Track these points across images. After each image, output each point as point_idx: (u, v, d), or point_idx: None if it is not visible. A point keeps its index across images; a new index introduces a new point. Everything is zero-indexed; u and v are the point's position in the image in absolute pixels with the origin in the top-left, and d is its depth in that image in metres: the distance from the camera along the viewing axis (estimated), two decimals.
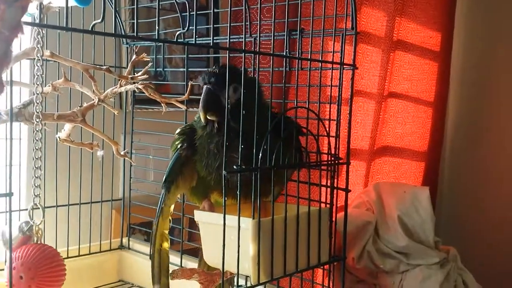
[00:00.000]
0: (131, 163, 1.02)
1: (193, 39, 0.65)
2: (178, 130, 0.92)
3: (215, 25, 1.31)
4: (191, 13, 0.62)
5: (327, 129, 0.81)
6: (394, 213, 1.56)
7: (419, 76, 1.97)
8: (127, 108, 1.26)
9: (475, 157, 2.23)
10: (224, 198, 0.72)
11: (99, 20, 0.54)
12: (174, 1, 0.71)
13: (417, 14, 1.88)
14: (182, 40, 0.74)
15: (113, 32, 0.56)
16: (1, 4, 0.44)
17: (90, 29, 0.54)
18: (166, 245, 0.93)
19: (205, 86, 0.82)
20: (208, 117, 0.82)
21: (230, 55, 0.70)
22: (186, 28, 0.61)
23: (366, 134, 1.77)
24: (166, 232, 0.94)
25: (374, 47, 1.74)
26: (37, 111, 0.69)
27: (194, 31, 0.64)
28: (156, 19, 0.59)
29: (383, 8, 1.73)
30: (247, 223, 0.74)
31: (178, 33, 0.64)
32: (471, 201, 2.22)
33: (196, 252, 1.35)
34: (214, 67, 0.83)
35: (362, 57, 1.70)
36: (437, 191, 2.20)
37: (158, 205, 0.91)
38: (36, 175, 0.70)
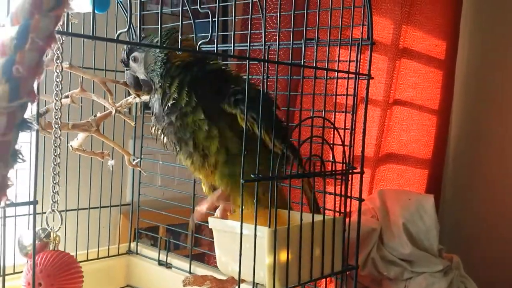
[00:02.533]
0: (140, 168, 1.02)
1: (213, 47, 0.65)
2: None
3: (224, 33, 1.32)
4: (213, 19, 0.62)
5: (342, 138, 0.81)
6: (398, 220, 1.56)
7: (424, 84, 1.98)
8: (136, 113, 1.26)
9: (478, 164, 2.24)
10: (242, 207, 0.72)
11: (125, 29, 0.55)
12: (197, 7, 0.72)
13: (423, 22, 1.89)
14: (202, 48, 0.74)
15: (138, 41, 0.56)
16: (35, 13, 0.44)
17: (115, 38, 0.54)
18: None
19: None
20: (142, 96, 0.86)
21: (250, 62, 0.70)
22: (209, 37, 0.61)
23: (371, 141, 1.78)
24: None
25: (380, 54, 1.74)
26: (56, 117, 0.69)
27: (215, 39, 0.64)
28: (179, 24, 0.59)
29: (390, 16, 1.74)
30: (263, 232, 0.74)
31: (201, 41, 0.64)
32: (474, 209, 2.22)
33: (202, 258, 1.35)
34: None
35: None
36: (440, 199, 2.20)
37: None
38: (55, 181, 0.70)
